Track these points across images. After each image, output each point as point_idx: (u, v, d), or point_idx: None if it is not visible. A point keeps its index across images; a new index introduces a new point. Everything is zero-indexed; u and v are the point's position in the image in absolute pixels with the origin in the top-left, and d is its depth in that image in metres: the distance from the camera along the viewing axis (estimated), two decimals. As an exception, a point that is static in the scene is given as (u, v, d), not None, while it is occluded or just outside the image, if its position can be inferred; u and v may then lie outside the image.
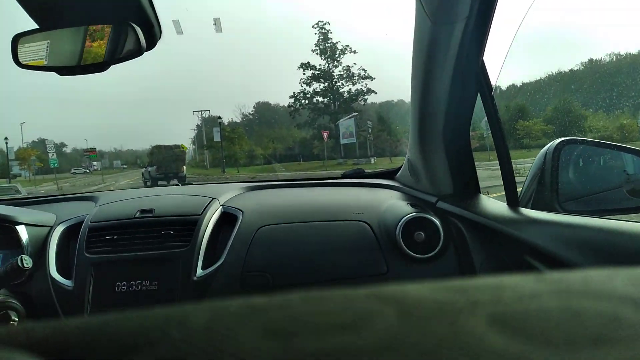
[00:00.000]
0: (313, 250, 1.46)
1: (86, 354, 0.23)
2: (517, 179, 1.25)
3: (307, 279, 1.41)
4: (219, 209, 1.64)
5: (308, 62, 38.64)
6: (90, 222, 1.56)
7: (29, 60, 1.12)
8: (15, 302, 1.36)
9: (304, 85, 38.85)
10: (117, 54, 1.09)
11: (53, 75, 1.13)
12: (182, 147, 24.49)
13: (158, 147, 23.48)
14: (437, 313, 0.25)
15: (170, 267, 1.44)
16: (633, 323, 0.24)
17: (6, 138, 33.43)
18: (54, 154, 27.68)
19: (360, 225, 1.51)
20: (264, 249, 1.47)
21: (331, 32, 38.71)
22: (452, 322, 0.24)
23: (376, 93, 38.04)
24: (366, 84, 38.01)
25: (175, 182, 19.21)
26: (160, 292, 1.40)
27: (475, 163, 1.46)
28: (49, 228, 1.59)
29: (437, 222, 1.41)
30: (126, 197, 1.82)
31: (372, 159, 29.05)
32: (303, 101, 38.88)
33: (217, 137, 34.96)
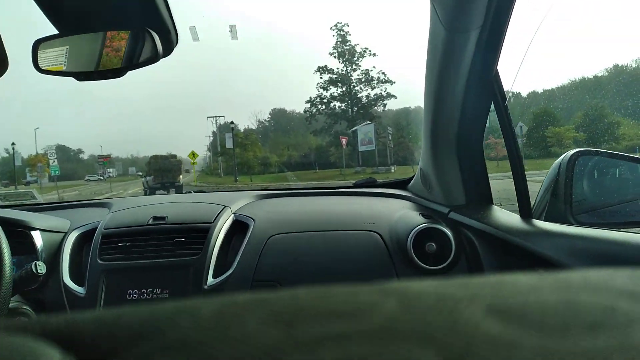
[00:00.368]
0: (323, 259, 1.45)
1: (99, 342, 0.24)
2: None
3: None
4: (231, 217, 1.64)
5: (325, 66, 36.20)
6: (104, 229, 1.57)
7: (49, 66, 1.13)
8: (28, 308, 1.37)
9: (321, 90, 36.25)
10: (134, 60, 1.10)
11: (69, 80, 1.15)
12: (193, 155, 25.10)
13: (155, 157, 23.74)
14: (437, 304, 0.25)
15: (182, 275, 1.45)
16: (628, 312, 0.24)
17: (13, 143, 32.50)
18: (55, 160, 26.16)
19: (371, 235, 1.51)
20: (274, 258, 1.47)
21: (350, 34, 35.92)
22: (451, 311, 0.24)
23: (396, 98, 35.24)
24: (385, 88, 35.22)
25: (174, 191, 19.63)
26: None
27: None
28: (63, 234, 1.61)
29: (449, 233, 1.40)
30: (139, 204, 1.83)
31: (392, 167, 27.28)
32: (320, 106, 36.39)
33: (229, 144, 33.52)
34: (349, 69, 35.66)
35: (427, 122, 1.44)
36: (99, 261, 1.49)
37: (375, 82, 35.19)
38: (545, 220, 1.19)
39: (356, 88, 35.74)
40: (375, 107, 35.43)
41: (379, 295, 0.26)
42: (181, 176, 22.40)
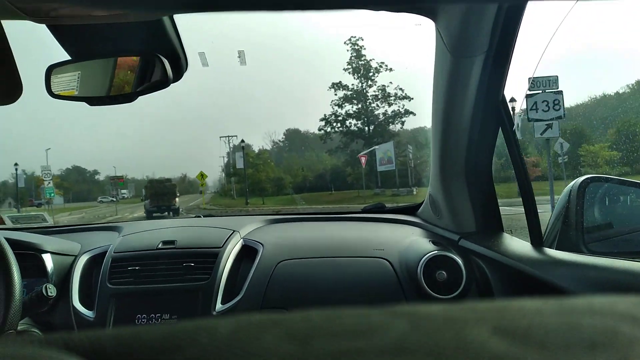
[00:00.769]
0: (332, 286, 1.44)
1: (119, 356, 0.25)
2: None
3: None
4: (240, 242, 1.64)
5: (340, 82, 33.92)
6: (114, 253, 1.58)
7: (61, 91, 1.16)
8: (37, 331, 1.36)
9: (336, 107, 34.05)
10: (144, 85, 1.12)
11: (84, 104, 1.17)
12: (202, 176, 24.69)
13: (150, 182, 24.79)
14: (445, 324, 0.26)
15: (190, 300, 1.44)
16: (629, 335, 0.25)
17: (16, 164, 30.97)
18: (50, 182, 23.56)
19: (381, 262, 1.49)
20: (283, 284, 1.46)
21: (364, 49, 33.82)
22: (458, 331, 0.26)
23: (414, 114, 32.68)
24: (403, 105, 32.79)
25: (171, 214, 20.24)
26: None
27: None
28: (74, 257, 1.62)
29: (459, 261, 1.37)
30: (149, 227, 1.84)
31: (414, 189, 24.40)
32: (335, 124, 34.11)
33: (239, 164, 32.16)
34: (364, 85, 33.73)
35: (435, 147, 1.44)
36: (109, 285, 1.49)
37: (393, 98, 33.14)
38: (557, 248, 1.17)
39: (372, 105, 33.89)
40: (393, 125, 33.62)
41: (390, 316, 0.28)
42: (177, 199, 22.80)
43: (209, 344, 0.26)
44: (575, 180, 1.22)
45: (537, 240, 1.21)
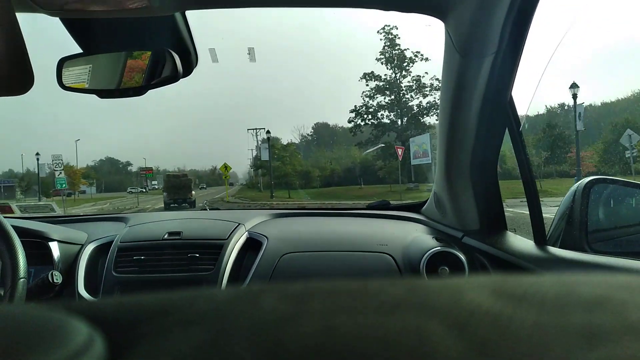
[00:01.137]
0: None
1: (121, 318, 0.26)
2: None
3: None
4: (245, 235, 1.66)
5: (372, 72, 31.90)
6: (120, 242, 1.60)
7: (72, 83, 1.17)
8: None
9: (367, 99, 32.01)
10: (154, 79, 1.13)
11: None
12: (225, 168, 24.42)
13: (168, 176, 25.52)
14: (442, 288, 0.28)
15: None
16: (624, 298, 0.26)
17: (37, 154, 30.26)
18: (62, 172, 22.37)
19: (384, 257, 1.50)
20: (286, 276, 1.47)
21: (399, 37, 31.92)
22: (455, 292, 0.27)
23: None
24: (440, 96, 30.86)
25: (187, 206, 20.55)
26: None
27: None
28: (80, 246, 1.64)
29: (462, 257, 1.38)
30: (156, 219, 1.86)
31: None
32: (366, 116, 32.00)
33: (264, 156, 30.78)
34: (398, 75, 31.65)
35: (441, 146, 1.45)
36: (114, 273, 1.51)
37: (428, 89, 30.95)
38: (560, 247, 1.17)
39: (406, 96, 31.70)
40: (428, 117, 31.24)
41: (386, 284, 0.29)
42: (193, 192, 23.25)
43: (208, 307, 0.27)
44: (580, 181, 1.22)
45: (541, 239, 1.21)
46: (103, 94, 1.18)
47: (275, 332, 0.24)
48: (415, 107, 31.69)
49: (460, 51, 1.15)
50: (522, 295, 0.26)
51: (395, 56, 31.61)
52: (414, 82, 31.62)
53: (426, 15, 1.09)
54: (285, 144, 36.63)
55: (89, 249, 1.63)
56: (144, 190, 41.84)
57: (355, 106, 32.37)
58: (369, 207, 2.15)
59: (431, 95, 30.79)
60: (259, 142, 35.82)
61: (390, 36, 31.50)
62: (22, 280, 1.22)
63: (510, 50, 1.11)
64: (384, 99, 32.13)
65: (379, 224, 1.84)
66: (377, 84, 32.11)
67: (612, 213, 1.27)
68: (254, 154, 39.77)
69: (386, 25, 31.98)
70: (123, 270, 1.52)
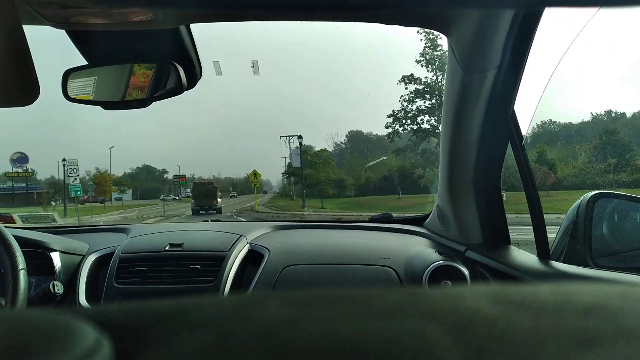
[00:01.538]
0: None
1: (127, 322, 0.26)
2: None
3: None
4: (246, 247, 1.65)
5: (411, 75, 28.69)
6: (121, 253, 1.59)
7: (77, 94, 1.18)
8: None
9: (405, 103, 28.81)
10: (159, 91, 1.14)
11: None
12: (255, 175, 23.64)
13: (195, 184, 26.37)
14: (441, 295, 0.29)
15: None
16: (620, 306, 0.26)
17: (64, 160, 27.26)
18: (77, 179, 20.59)
19: (386, 270, 1.50)
20: (288, 289, 1.46)
21: (440, 38, 26.28)
22: (455, 299, 0.28)
23: None
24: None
25: (213, 212, 21.42)
26: None
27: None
28: (82, 256, 1.64)
29: (465, 271, 1.37)
30: (157, 230, 1.86)
31: (503, 194, 19.14)
32: (404, 121, 28.89)
33: (296, 162, 28.96)
34: (439, 77, 28.41)
35: (444, 160, 1.45)
36: (115, 284, 1.51)
37: None
38: (564, 262, 1.17)
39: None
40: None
41: (388, 292, 0.30)
42: (219, 199, 24.04)
43: (213, 311, 0.27)
44: (584, 196, 1.22)
45: (544, 253, 1.21)
46: (108, 105, 1.19)
47: (279, 336, 0.24)
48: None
49: (463, 65, 1.16)
50: (520, 302, 0.27)
51: (436, 57, 28.46)
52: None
53: (430, 30, 1.10)
54: (316, 151, 35.02)
55: (90, 259, 1.62)
56: (177, 197, 41.50)
57: (393, 111, 29.59)
58: (371, 220, 2.14)
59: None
60: (292, 149, 33.63)
61: (431, 36, 27.86)
62: (22, 271, 1.22)
63: (513, 64, 1.12)
64: (424, 102, 28.89)
65: (381, 237, 1.83)
66: (417, 87, 29.02)
67: (616, 228, 1.26)
68: (287, 161, 37.98)
69: (427, 26, 29.33)
70: (124, 281, 1.51)
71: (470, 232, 1.48)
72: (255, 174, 23.51)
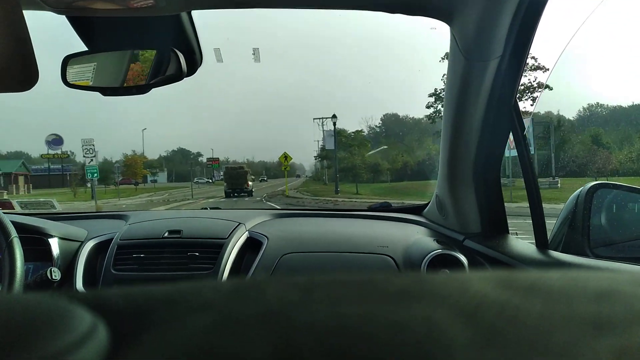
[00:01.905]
0: None
1: (125, 307, 0.26)
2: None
3: None
4: (245, 234, 1.66)
5: None
6: (120, 240, 1.59)
7: (76, 80, 1.17)
8: None
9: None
10: (158, 78, 1.13)
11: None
12: (285, 158, 22.99)
13: (227, 168, 27.71)
14: (448, 280, 0.29)
15: None
16: (630, 291, 0.26)
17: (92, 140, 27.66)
18: (93, 159, 18.89)
19: (384, 259, 1.50)
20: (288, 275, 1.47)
21: None
22: (462, 283, 0.28)
23: (551, 89, 22.79)
24: (536, 78, 23.67)
25: (245, 195, 22.41)
26: None
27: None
28: (80, 243, 1.63)
29: (463, 260, 1.38)
30: (156, 217, 1.87)
31: (558, 181, 15.88)
32: None
33: (329, 144, 27.72)
34: None
35: (444, 149, 1.45)
36: (113, 271, 1.51)
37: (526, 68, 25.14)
38: (562, 251, 1.17)
39: None
40: (523, 101, 24.46)
41: (393, 276, 0.30)
42: (250, 182, 25.33)
43: (214, 295, 0.27)
44: (583, 186, 1.22)
45: (542, 243, 1.21)
46: (107, 91, 1.18)
47: (284, 318, 0.24)
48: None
49: (465, 54, 1.15)
50: (529, 287, 0.27)
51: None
52: (504, 61, 26.88)
53: (432, 19, 1.09)
54: (352, 133, 33.72)
55: (88, 246, 1.62)
56: (211, 180, 41.71)
57: (435, 89, 27.37)
58: (370, 209, 2.15)
59: (526, 75, 23.71)
60: (325, 132, 32.64)
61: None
62: (15, 238, 1.24)
63: (516, 54, 1.11)
64: None
65: (380, 226, 1.84)
66: None
67: (615, 218, 1.26)
68: (320, 145, 37.58)
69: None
70: (122, 268, 1.51)
71: (469, 221, 1.48)
72: (285, 156, 22.87)
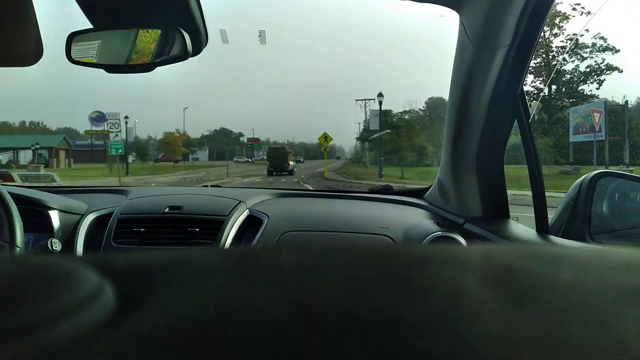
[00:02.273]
0: None
1: (131, 268, 0.26)
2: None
3: None
4: (245, 212, 1.67)
5: None
6: (120, 214, 1.61)
7: (81, 57, 1.17)
8: None
9: None
10: (163, 57, 1.13)
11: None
12: (325, 139, 21.55)
13: (270, 149, 28.90)
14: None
15: None
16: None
17: (126, 117, 25.76)
18: (117, 134, 17.43)
19: (384, 239, 1.51)
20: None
21: None
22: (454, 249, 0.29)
23: (621, 71, 22.14)
24: (603, 59, 22.52)
25: (286, 174, 23.33)
26: None
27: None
28: (80, 216, 1.65)
29: (463, 243, 1.39)
30: (157, 193, 1.88)
31: (632, 170, 12.74)
32: None
33: (374, 125, 25.58)
34: (547, 33, 23.21)
35: (448, 134, 1.44)
36: (113, 244, 1.52)
37: (589, 50, 22.82)
38: (562, 237, 1.18)
39: (557, 58, 23.83)
40: (587, 84, 23.31)
41: (411, 246, 0.30)
42: (291, 162, 26.24)
43: (224, 259, 0.27)
44: (587, 174, 1.22)
45: (543, 228, 1.22)
46: (111, 69, 1.18)
47: (299, 280, 0.24)
48: (567, 73, 23.63)
49: (473, 42, 1.14)
50: (554, 257, 0.26)
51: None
52: (569, 41, 23.78)
53: (441, 6, 1.08)
54: (401, 111, 31.61)
55: (89, 219, 1.63)
56: (250, 160, 41.92)
57: None
58: (371, 191, 2.16)
59: (592, 57, 22.99)
60: (368, 112, 30.66)
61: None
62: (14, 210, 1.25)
63: (525, 43, 1.10)
64: None
65: (380, 207, 1.85)
66: None
67: (617, 207, 1.27)
68: (361, 127, 35.90)
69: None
70: (122, 241, 1.53)
71: (470, 205, 1.49)
72: (325, 136, 21.32)
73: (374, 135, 26.65)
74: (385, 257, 0.27)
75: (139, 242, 1.52)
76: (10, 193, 1.31)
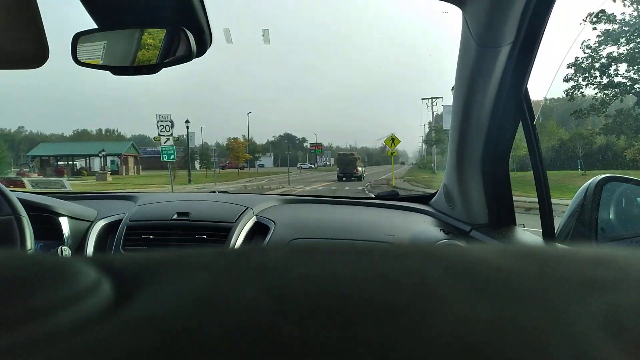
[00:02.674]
0: None
1: (129, 266, 0.27)
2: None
3: None
4: (253, 219, 1.67)
5: (602, 11, 18.06)
6: (129, 221, 1.62)
7: (86, 59, 1.17)
8: None
9: (587, 50, 18.95)
10: (168, 58, 1.13)
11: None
12: (392, 141, 19.16)
13: (339, 155, 29.64)
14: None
15: None
16: (627, 256, 0.27)
17: (187, 121, 25.10)
18: (170, 138, 15.10)
19: None
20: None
21: None
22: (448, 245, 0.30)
23: None
24: None
25: (354, 179, 24.05)
26: None
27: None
28: (90, 222, 1.66)
29: None
30: (165, 199, 1.88)
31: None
32: (591, 72, 19.10)
33: (447, 123, 16.19)
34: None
35: (453, 138, 1.43)
36: (122, 251, 1.53)
37: None
38: (569, 245, 1.16)
39: None
40: None
41: (393, 246, 0.32)
42: (360, 168, 26.80)
43: (216, 257, 0.28)
44: (592, 179, 1.20)
45: (550, 235, 1.20)
46: (117, 70, 1.18)
47: (282, 275, 0.25)
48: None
49: (477, 40, 1.13)
50: (526, 253, 0.28)
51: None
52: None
53: (444, 2, 1.07)
54: None
55: (98, 225, 1.65)
56: (313, 166, 41.80)
57: (575, 58, 20.06)
58: (377, 197, 2.15)
59: None
60: (444, 108, 28.51)
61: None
62: (24, 217, 1.25)
63: (528, 41, 1.09)
64: (619, 49, 19.41)
65: (386, 214, 1.84)
66: (609, 28, 19.43)
67: (624, 212, 1.25)
68: (426, 130, 35.34)
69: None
70: (131, 248, 1.54)
71: (476, 212, 1.47)
72: (392, 138, 19.00)
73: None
74: (364, 254, 0.28)
75: (147, 249, 1.53)
76: (20, 199, 1.32)
